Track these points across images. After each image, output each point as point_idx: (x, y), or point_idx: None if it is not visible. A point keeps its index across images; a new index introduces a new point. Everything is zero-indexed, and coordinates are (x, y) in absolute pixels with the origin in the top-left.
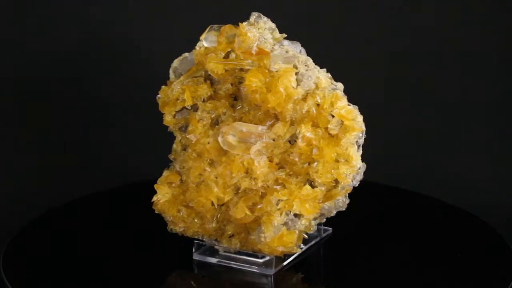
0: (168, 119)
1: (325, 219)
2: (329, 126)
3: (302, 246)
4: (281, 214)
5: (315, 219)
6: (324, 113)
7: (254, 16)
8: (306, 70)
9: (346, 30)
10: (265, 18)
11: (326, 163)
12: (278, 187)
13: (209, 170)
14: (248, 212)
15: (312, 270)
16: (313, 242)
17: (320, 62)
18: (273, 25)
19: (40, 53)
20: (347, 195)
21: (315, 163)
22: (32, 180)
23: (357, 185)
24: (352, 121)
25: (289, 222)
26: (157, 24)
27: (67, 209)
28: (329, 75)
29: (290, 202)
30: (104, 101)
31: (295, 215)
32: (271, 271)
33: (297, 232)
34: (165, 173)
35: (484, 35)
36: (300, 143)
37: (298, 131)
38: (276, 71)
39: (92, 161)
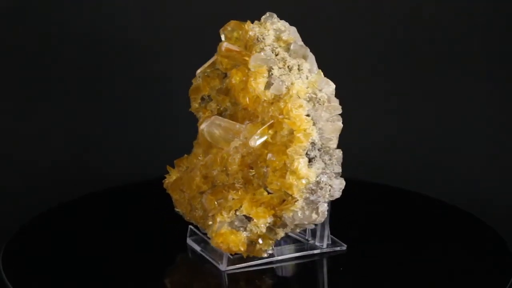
0: (192, 106)
1: (298, 230)
2: (281, 133)
3: (269, 251)
4: (229, 211)
5: (283, 227)
6: (281, 119)
7: (265, 15)
8: (281, 75)
9: (348, 30)
10: (275, 19)
11: (275, 170)
12: (240, 186)
13: (200, 159)
14: (216, 205)
15: (289, 275)
16: (300, 253)
17: (321, 62)
18: (283, 27)
19: (40, 52)
20: (322, 211)
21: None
22: (32, 180)
23: (325, 200)
24: (301, 131)
25: (236, 222)
26: (159, 25)
27: (66, 209)
28: (331, 85)
29: (239, 202)
30: (104, 101)
31: (247, 217)
32: (223, 268)
33: (245, 234)
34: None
35: (484, 35)
36: (252, 144)
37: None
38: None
39: (92, 161)
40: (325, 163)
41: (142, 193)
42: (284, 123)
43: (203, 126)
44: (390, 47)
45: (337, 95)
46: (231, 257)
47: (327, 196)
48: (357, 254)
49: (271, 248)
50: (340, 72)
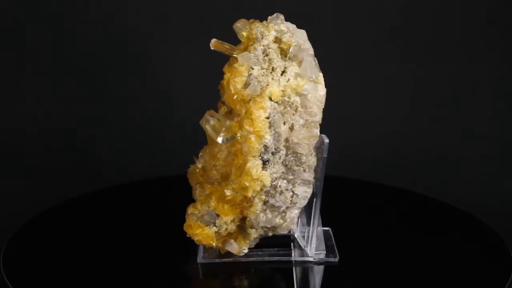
0: (222, 99)
1: (270, 234)
2: (243, 132)
3: (245, 250)
4: (201, 204)
5: (255, 228)
6: (243, 118)
7: (272, 16)
8: (261, 75)
9: (347, 30)
10: (279, 20)
11: (236, 169)
12: (218, 181)
13: (207, 152)
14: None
15: (271, 275)
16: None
17: (321, 61)
18: (286, 29)
19: (40, 52)
20: (290, 217)
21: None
22: (32, 180)
23: (287, 206)
24: (252, 133)
25: (206, 216)
26: (162, 24)
27: (67, 209)
28: (320, 92)
29: (209, 197)
30: (105, 101)
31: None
32: (198, 259)
33: (214, 229)
34: None
35: (484, 34)
36: (218, 141)
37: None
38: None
39: (92, 161)
40: (289, 168)
41: (142, 192)
42: (244, 123)
43: (201, 121)
44: (390, 48)
45: (338, 95)
46: (217, 252)
47: (288, 202)
48: (355, 254)
49: (247, 247)
50: (339, 71)
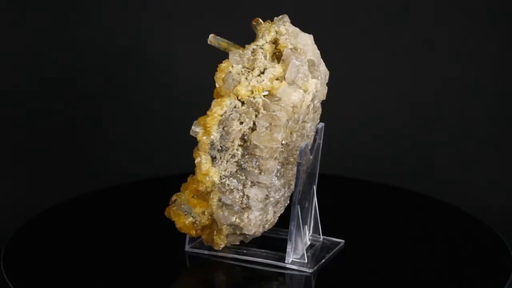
0: None
1: (238, 233)
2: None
3: (222, 244)
4: (182, 193)
5: (231, 226)
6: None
7: (279, 17)
8: (238, 74)
9: (347, 30)
10: (281, 22)
11: (200, 165)
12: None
13: None
14: None
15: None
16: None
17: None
18: (285, 31)
19: (40, 52)
20: (249, 218)
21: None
22: (32, 180)
23: (236, 206)
24: (203, 129)
25: (184, 206)
26: (163, 25)
27: (66, 209)
28: (295, 96)
29: (186, 187)
30: (105, 101)
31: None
32: (185, 248)
33: (190, 219)
34: None
35: (485, 34)
36: (191, 134)
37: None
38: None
39: (92, 161)
40: (243, 169)
41: (142, 192)
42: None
43: None
44: (389, 48)
45: (338, 95)
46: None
47: (239, 202)
48: (354, 253)
49: (224, 242)
50: (340, 72)
